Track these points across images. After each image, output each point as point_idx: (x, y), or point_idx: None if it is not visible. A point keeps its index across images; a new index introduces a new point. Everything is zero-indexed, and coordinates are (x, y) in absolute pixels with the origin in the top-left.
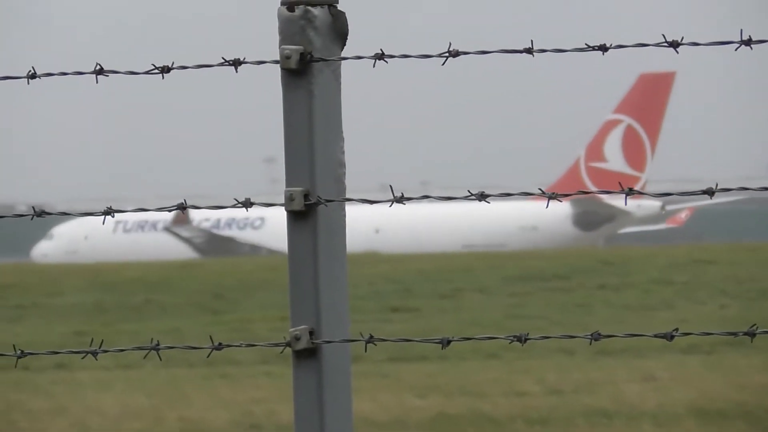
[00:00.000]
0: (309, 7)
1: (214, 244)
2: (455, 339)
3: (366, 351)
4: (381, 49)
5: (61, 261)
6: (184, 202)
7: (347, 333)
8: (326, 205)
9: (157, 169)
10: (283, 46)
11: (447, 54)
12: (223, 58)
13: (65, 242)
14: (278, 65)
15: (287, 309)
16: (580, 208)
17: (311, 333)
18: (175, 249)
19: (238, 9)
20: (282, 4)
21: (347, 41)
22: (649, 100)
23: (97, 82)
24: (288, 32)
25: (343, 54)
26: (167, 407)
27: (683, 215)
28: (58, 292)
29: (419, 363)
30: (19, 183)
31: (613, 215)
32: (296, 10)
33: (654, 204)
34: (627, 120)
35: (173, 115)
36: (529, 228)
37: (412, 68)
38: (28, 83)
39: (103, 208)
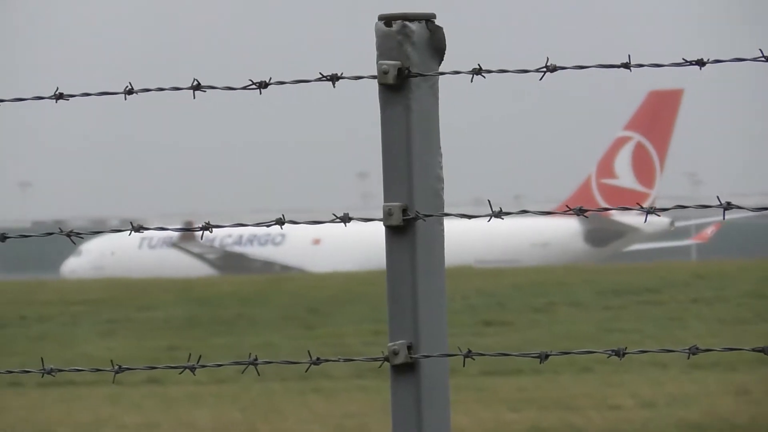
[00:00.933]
0: (406, 23)
1: (227, 260)
2: (553, 353)
3: (464, 365)
4: (479, 65)
5: (88, 277)
6: (282, 217)
7: (445, 347)
8: (425, 220)
9: (250, 183)
10: (380, 62)
11: (545, 69)
12: (320, 73)
13: (93, 258)
14: (375, 80)
15: (380, 323)
16: (591, 225)
17: (409, 347)
18: (199, 265)
19: (325, 25)
20: (379, 19)
21: (444, 56)
22: (657, 117)
23: (194, 98)
24: (385, 47)
25: (440, 69)
26: (261, 421)
27: (709, 231)
28: (150, 306)
29: (513, 377)
30: (113, 197)
31: (623, 231)
32: (394, 26)
33: (663, 220)
34: (636, 137)
35: (263, 127)
36: (541, 244)
37: (503, 81)
38: (125, 99)
39: (201, 224)
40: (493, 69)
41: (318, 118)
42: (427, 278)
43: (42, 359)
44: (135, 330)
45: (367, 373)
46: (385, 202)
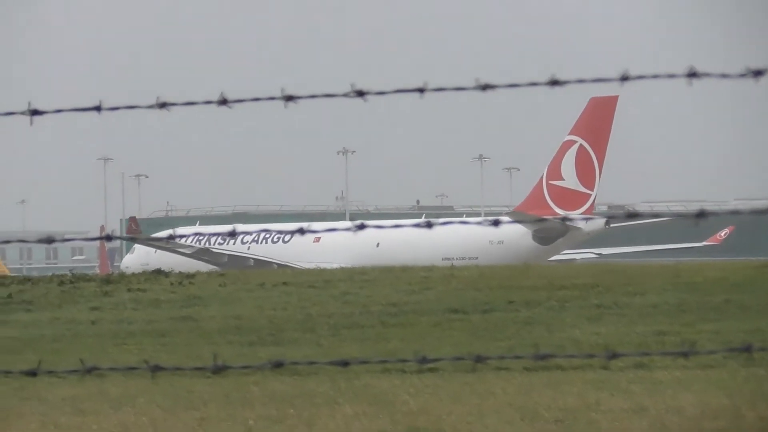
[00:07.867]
0: None
1: (205, 256)
2: None
3: None
4: None
5: (137, 272)
6: (704, 209)
7: None
8: None
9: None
10: None
11: None
12: (747, 67)
13: (140, 255)
14: None
15: None
16: (538, 225)
17: None
18: (200, 264)
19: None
20: None
21: None
22: (597, 121)
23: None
24: None
25: None
26: (747, 407)
27: (723, 233)
28: (639, 291)
29: None
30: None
31: (566, 230)
32: None
33: (599, 221)
34: (579, 140)
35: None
36: (497, 243)
37: None
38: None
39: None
40: None
41: (743, 114)
42: None
43: (533, 345)
44: (623, 315)
45: None
46: None
